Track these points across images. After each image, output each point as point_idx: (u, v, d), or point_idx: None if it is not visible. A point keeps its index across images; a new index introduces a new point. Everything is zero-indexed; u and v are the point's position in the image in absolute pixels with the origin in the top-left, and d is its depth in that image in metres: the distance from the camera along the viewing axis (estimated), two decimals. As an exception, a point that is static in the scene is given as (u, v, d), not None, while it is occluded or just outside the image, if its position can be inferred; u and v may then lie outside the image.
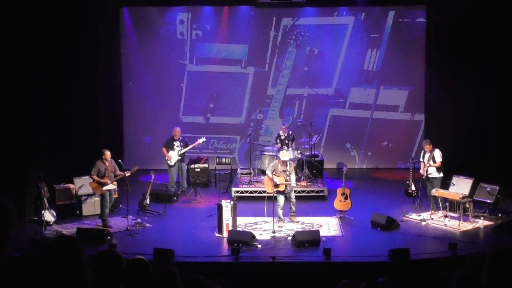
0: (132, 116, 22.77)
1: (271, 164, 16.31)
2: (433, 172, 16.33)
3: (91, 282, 4.38)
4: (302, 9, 22.19)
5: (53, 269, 4.28)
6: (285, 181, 15.49)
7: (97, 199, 16.92)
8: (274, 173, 15.63)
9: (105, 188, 15.65)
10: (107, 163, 15.79)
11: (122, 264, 5.17)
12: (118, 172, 15.95)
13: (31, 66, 16.65)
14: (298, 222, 15.77)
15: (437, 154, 16.29)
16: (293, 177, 15.72)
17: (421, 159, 16.68)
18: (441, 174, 16.39)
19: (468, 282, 5.86)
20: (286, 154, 16.16)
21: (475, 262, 7.10)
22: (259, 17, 22.43)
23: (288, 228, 15.38)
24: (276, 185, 15.48)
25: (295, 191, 16.86)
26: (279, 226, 15.38)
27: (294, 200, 15.91)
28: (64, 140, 19.00)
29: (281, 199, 15.63)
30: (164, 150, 18.79)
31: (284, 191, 15.61)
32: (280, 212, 15.64)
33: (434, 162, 16.24)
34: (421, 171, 16.59)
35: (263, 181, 16.79)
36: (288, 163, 15.75)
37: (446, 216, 15.98)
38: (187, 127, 21.24)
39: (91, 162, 16.37)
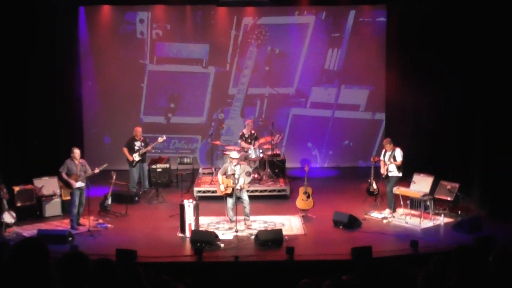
0: (93, 116, 22.57)
1: (223, 165, 16.13)
2: (393, 171, 16.41)
3: (58, 284, 4.32)
4: (263, 8, 22.18)
5: (18, 272, 4.20)
6: (233, 183, 15.29)
7: (58, 200, 16.78)
8: (224, 175, 15.52)
9: (75, 186, 15.47)
10: (76, 161, 15.60)
11: (88, 265, 5.11)
12: (89, 171, 15.78)
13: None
14: (250, 226, 15.46)
15: (398, 153, 16.37)
16: (241, 180, 15.37)
17: (381, 158, 16.75)
18: (400, 174, 16.49)
19: (433, 279, 5.90)
20: (235, 153, 15.95)
21: (439, 259, 7.15)
22: (220, 17, 22.35)
23: (252, 227, 15.38)
24: (224, 188, 15.42)
25: (254, 191, 16.88)
26: (246, 226, 15.35)
27: (247, 201, 15.55)
28: (22, 141, 18.74)
29: (229, 201, 15.48)
30: (125, 150, 18.66)
31: (232, 193, 15.40)
32: (230, 213, 15.52)
33: (395, 160, 16.32)
34: (382, 170, 16.67)
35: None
36: (239, 166, 15.50)
37: (406, 214, 16.09)
38: (148, 127, 21.09)
39: (51, 163, 16.22)
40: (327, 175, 21.94)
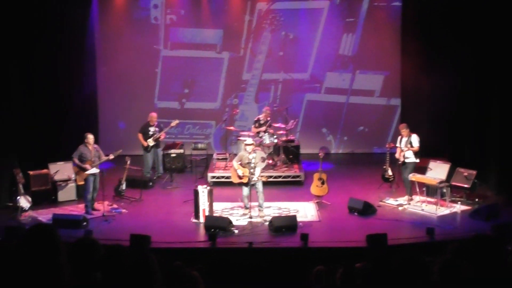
0: (107, 101, 22.54)
1: (239, 153, 15.93)
2: (410, 157, 16.30)
3: (68, 271, 4.27)
4: (277, -7, 22.06)
5: (29, 258, 4.16)
6: (249, 173, 15.14)
7: (73, 185, 16.79)
8: (240, 163, 15.39)
9: (87, 172, 15.47)
10: (90, 147, 15.59)
11: (99, 251, 5.06)
12: (103, 157, 15.77)
13: (1, 52, 16.43)
14: (263, 217, 15.18)
15: (415, 139, 16.26)
16: (257, 170, 15.19)
17: (397, 144, 16.64)
18: (417, 160, 16.38)
19: (450, 268, 5.81)
20: (250, 140, 15.73)
21: (455, 247, 7.07)
22: (234, 2, 22.25)
23: (265, 213, 15.30)
24: (240, 177, 15.33)
25: (269, 177, 16.82)
26: (260, 216, 15.22)
27: (262, 192, 15.33)
28: (38, 126, 18.73)
29: (244, 190, 15.36)
30: (140, 136, 18.64)
31: (248, 182, 15.28)
32: (245, 201, 15.43)
33: (412, 146, 16.20)
34: (397, 155, 16.55)
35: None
36: (254, 152, 15.28)
37: (422, 201, 16.00)
38: (162, 112, 21.01)
39: (66, 148, 16.21)
40: (341, 161, 21.84)
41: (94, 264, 4.99)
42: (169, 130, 19.21)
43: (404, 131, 16.38)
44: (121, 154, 16.28)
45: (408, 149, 16.22)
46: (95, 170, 15.60)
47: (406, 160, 16.35)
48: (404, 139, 16.36)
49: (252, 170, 15.10)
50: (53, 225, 4.31)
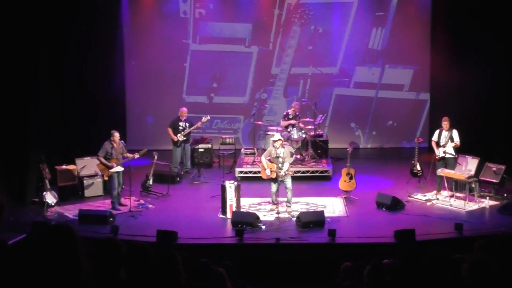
0: (135, 96, 22.61)
1: (268, 149, 15.78)
2: (452, 152, 16.10)
3: (88, 271, 4.23)
4: (307, -13, 21.95)
5: (47, 258, 4.13)
6: (278, 168, 14.98)
7: (99, 180, 16.81)
8: (269, 159, 15.25)
9: (112, 170, 15.50)
10: (115, 145, 15.58)
11: (121, 251, 5.04)
12: (127, 154, 15.76)
13: (30, 44, 16.53)
14: (291, 213, 15.05)
15: (456, 134, 16.08)
16: (286, 165, 15.03)
17: (433, 139, 16.45)
18: (456, 155, 16.21)
19: (480, 266, 5.72)
20: (278, 135, 15.45)
21: (483, 244, 6.96)
22: (263, -4, 22.23)
23: (293, 209, 15.21)
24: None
25: (296, 172, 16.74)
26: (287, 212, 15.11)
27: (290, 187, 15.19)
28: (65, 121, 18.80)
29: (273, 186, 15.24)
30: (170, 130, 18.62)
31: (276, 178, 15.13)
32: (273, 197, 15.31)
33: (453, 141, 16.03)
34: (436, 151, 16.34)
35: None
36: (282, 147, 15.11)
37: (451, 196, 15.84)
38: (190, 107, 20.95)
39: (93, 143, 16.26)
40: (370, 156, 21.71)
41: (116, 264, 4.97)
42: (200, 125, 19.11)
43: (446, 124, 16.15)
44: (148, 149, 16.30)
45: (455, 145, 16.00)
46: (119, 169, 15.61)
47: (447, 156, 16.14)
48: (444, 133, 16.16)
49: (280, 165, 14.99)
50: (71, 226, 4.18)
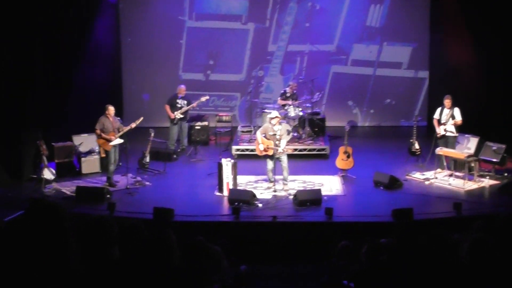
0: (131, 73, 22.49)
1: (264, 125, 15.67)
2: (453, 130, 16.04)
3: (75, 250, 4.14)
4: (303, -38, 21.76)
5: (35, 237, 4.03)
6: (274, 145, 14.83)
7: (97, 157, 16.75)
8: (264, 136, 15.10)
9: (112, 143, 15.45)
10: (111, 118, 15.54)
11: (113, 230, 4.94)
12: (124, 128, 15.70)
13: (26, 24, 16.38)
14: (287, 191, 14.95)
15: (457, 112, 15.99)
16: (283, 142, 14.82)
17: (435, 116, 16.36)
18: (457, 134, 16.13)
19: (480, 246, 5.63)
20: (275, 112, 15.30)
21: (482, 225, 6.88)
22: (260, -29, 22.04)
23: (290, 187, 15.12)
24: (264, 150, 15.04)
25: (295, 150, 16.65)
26: (284, 190, 15.03)
27: (286, 165, 14.97)
28: (62, 97, 18.66)
29: (269, 163, 15.04)
30: (167, 107, 18.47)
31: (273, 155, 14.96)
32: (270, 174, 15.14)
33: (454, 119, 15.94)
34: (437, 129, 16.27)
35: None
36: (279, 124, 14.92)
37: (450, 175, 15.76)
38: (187, 84, 20.71)
39: (90, 119, 16.13)
40: (368, 134, 21.63)
41: (108, 242, 4.88)
42: (198, 104, 18.95)
43: (448, 101, 16.04)
44: (144, 126, 16.22)
45: (456, 123, 15.92)
46: (119, 141, 15.55)
47: (447, 134, 16.07)
48: (446, 111, 16.07)
49: (277, 142, 14.84)
50: (59, 204, 4.07)
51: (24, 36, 16.26)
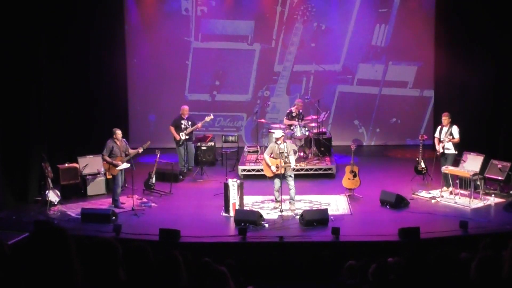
0: (137, 93, 22.52)
1: (269, 146, 15.64)
2: (451, 148, 16.05)
3: (81, 273, 4.13)
4: (309, -17, 21.85)
5: (40, 261, 4.03)
6: (285, 163, 14.80)
7: (102, 178, 16.74)
8: (272, 156, 15.11)
9: (118, 168, 15.43)
10: (118, 143, 15.54)
11: (118, 252, 4.93)
12: (131, 151, 15.71)
13: (32, 42, 16.48)
14: (294, 210, 14.90)
15: (455, 130, 16.03)
16: (292, 158, 14.93)
17: (436, 135, 16.40)
18: (456, 151, 16.12)
19: (490, 264, 5.60)
20: (279, 132, 15.27)
21: (488, 243, 6.86)
22: (265, -7, 22.13)
23: (296, 207, 15.09)
24: (277, 168, 14.92)
25: (300, 170, 16.62)
26: (291, 210, 14.96)
27: (293, 184, 14.95)
28: (67, 119, 18.71)
29: (276, 183, 15.00)
30: (172, 129, 18.50)
31: (281, 174, 14.89)
32: (277, 194, 15.10)
33: (453, 138, 15.95)
34: (437, 147, 16.29)
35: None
36: (285, 143, 14.94)
37: (456, 194, 15.72)
38: (192, 104, 20.89)
39: (96, 141, 16.17)
40: (374, 154, 21.61)
41: (114, 265, 4.86)
42: (203, 124, 18.97)
43: (446, 119, 16.14)
44: (150, 147, 16.23)
45: (450, 141, 15.95)
46: (126, 165, 15.53)
47: (446, 151, 16.10)
48: (444, 129, 16.14)
49: (286, 160, 14.84)
50: (62, 227, 4.05)
51: (29, 56, 16.33)
